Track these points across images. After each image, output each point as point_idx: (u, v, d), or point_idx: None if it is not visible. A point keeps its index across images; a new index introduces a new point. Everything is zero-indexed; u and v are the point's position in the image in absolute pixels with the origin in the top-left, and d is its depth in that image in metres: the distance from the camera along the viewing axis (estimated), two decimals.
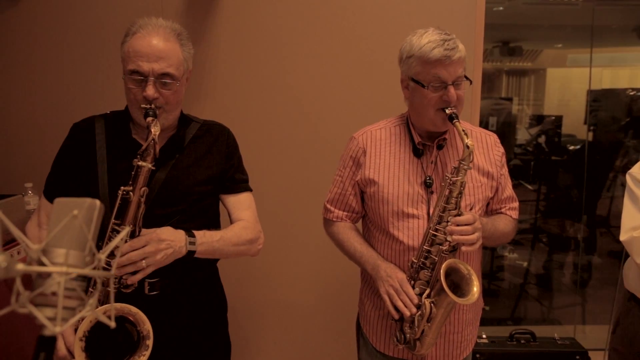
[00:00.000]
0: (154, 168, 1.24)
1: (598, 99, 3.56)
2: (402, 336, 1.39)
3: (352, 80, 2.24)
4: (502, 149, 1.55)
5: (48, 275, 0.53)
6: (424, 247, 1.36)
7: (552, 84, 4.06)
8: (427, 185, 1.42)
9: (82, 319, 1.00)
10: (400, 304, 1.34)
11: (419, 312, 1.34)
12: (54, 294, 0.53)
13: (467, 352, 1.56)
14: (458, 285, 1.34)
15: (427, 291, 1.35)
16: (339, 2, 2.20)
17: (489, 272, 3.59)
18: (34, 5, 2.19)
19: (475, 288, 1.30)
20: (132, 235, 1.23)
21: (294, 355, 2.47)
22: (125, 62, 1.28)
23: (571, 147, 3.69)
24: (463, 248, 1.32)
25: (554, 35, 3.91)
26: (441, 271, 1.29)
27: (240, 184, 1.49)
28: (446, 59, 1.31)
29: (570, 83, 4.02)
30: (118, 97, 1.42)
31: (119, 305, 1.17)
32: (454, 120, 1.33)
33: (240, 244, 1.40)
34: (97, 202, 0.58)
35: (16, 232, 0.53)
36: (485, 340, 2.37)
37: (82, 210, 0.56)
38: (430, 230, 1.35)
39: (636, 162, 1.65)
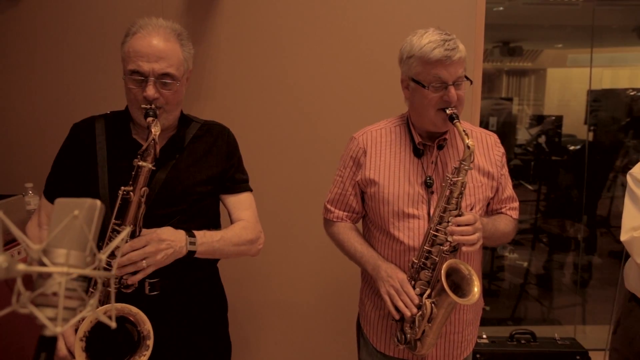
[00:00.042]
0: (154, 168, 1.24)
1: (598, 99, 3.56)
2: (403, 336, 1.39)
3: (352, 80, 2.24)
4: (502, 149, 1.55)
5: (49, 275, 0.53)
6: (425, 247, 1.36)
7: (553, 84, 4.06)
8: (428, 185, 1.42)
9: (83, 319, 1.00)
10: (400, 304, 1.34)
11: (420, 313, 1.34)
12: (54, 294, 0.53)
13: (468, 352, 1.56)
14: (459, 285, 1.34)
15: (428, 291, 1.35)
16: (339, 2, 2.20)
17: (489, 272, 3.59)
18: (34, 5, 2.19)
19: (476, 288, 1.30)
20: (133, 235, 1.23)
21: (294, 355, 2.47)
22: (126, 62, 1.28)
23: (571, 147, 3.69)
24: (464, 248, 1.32)
25: (554, 36, 3.91)
26: (442, 271, 1.29)
27: (240, 184, 1.49)
28: (447, 59, 1.31)
29: (570, 83, 4.02)
30: (118, 97, 1.42)
31: (119, 305, 1.17)
32: (455, 121, 1.33)
33: (241, 244, 1.40)
34: (98, 202, 0.58)
35: (17, 232, 0.53)
36: (486, 341, 2.37)
37: (83, 211, 0.56)
38: (431, 231, 1.35)
39: (636, 162, 1.65)
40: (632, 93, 3.63)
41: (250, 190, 1.51)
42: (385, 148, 1.48)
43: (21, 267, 0.50)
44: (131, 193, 1.21)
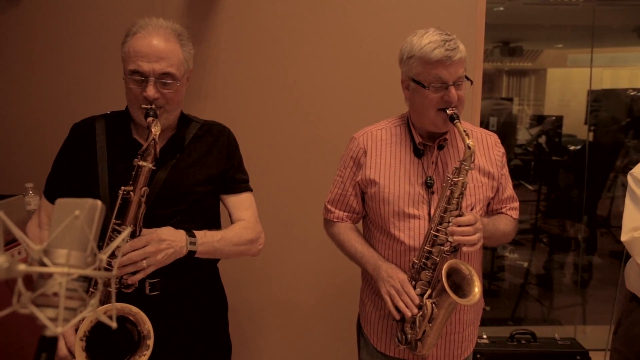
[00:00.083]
0: (154, 168, 1.24)
1: (598, 99, 3.56)
2: (403, 336, 1.39)
3: (352, 80, 2.24)
4: (502, 149, 1.55)
5: (50, 275, 0.53)
6: (425, 247, 1.36)
7: (553, 84, 4.06)
8: (428, 185, 1.42)
9: (83, 319, 1.00)
10: (401, 305, 1.34)
11: (420, 313, 1.34)
12: (55, 294, 0.52)
13: (468, 352, 1.56)
14: (459, 285, 1.34)
15: (429, 292, 1.35)
16: (339, 2, 2.20)
17: (489, 273, 3.59)
18: (34, 5, 2.19)
19: (477, 288, 1.30)
20: (133, 235, 1.23)
21: (295, 356, 2.47)
22: (126, 62, 1.28)
23: (572, 148, 3.69)
24: (464, 248, 1.32)
25: (554, 36, 3.91)
26: (443, 272, 1.29)
27: (240, 184, 1.49)
28: (447, 60, 1.31)
29: (570, 83, 4.02)
30: (118, 97, 1.42)
31: (119, 305, 1.17)
32: (455, 121, 1.33)
33: (241, 244, 1.40)
34: (99, 202, 0.58)
35: (18, 232, 0.52)
36: (486, 341, 2.37)
37: (84, 211, 0.56)
38: (432, 231, 1.35)
39: (637, 162, 1.65)
40: (632, 93, 3.63)
41: (251, 190, 1.51)
42: (385, 148, 1.48)
43: (22, 267, 0.50)
44: (131, 193, 1.21)
